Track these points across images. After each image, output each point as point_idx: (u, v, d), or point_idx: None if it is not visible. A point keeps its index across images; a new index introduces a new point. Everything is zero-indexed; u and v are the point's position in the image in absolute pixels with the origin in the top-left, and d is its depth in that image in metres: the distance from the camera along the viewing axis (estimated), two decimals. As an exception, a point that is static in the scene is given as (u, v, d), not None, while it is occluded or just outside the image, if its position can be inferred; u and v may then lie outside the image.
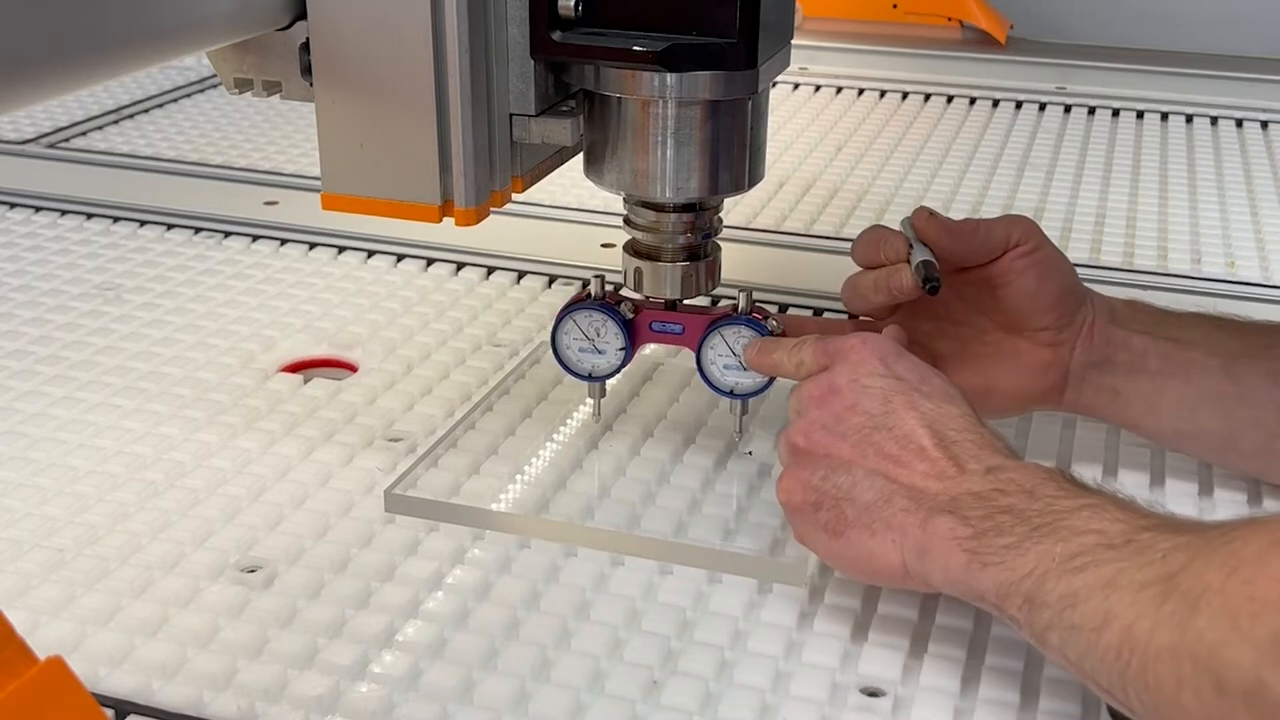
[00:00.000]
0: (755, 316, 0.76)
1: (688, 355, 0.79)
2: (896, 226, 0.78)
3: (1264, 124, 1.50)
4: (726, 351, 0.77)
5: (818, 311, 1.01)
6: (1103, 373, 0.77)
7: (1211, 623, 0.48)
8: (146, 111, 1.51)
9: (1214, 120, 1.51)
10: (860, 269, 0.78)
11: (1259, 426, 0.75)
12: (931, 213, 0.76)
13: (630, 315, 0.78)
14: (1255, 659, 0.46)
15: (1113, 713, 0.61)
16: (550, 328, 0.79)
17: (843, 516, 0.64)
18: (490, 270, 1.08)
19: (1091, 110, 1.55)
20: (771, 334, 0.76)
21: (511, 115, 0.70)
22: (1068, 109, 1.55)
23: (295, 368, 0.94)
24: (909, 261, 0.74)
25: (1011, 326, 0.77)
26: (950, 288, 0.75)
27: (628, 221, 0.76)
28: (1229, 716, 0.47)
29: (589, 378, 0.79)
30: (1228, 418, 0.76)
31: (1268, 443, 0.75)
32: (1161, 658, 0.50)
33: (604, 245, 1.12)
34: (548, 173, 0.75)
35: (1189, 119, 1.52)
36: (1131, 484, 0.79)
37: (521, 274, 1.08)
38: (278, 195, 1.24)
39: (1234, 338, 0.76)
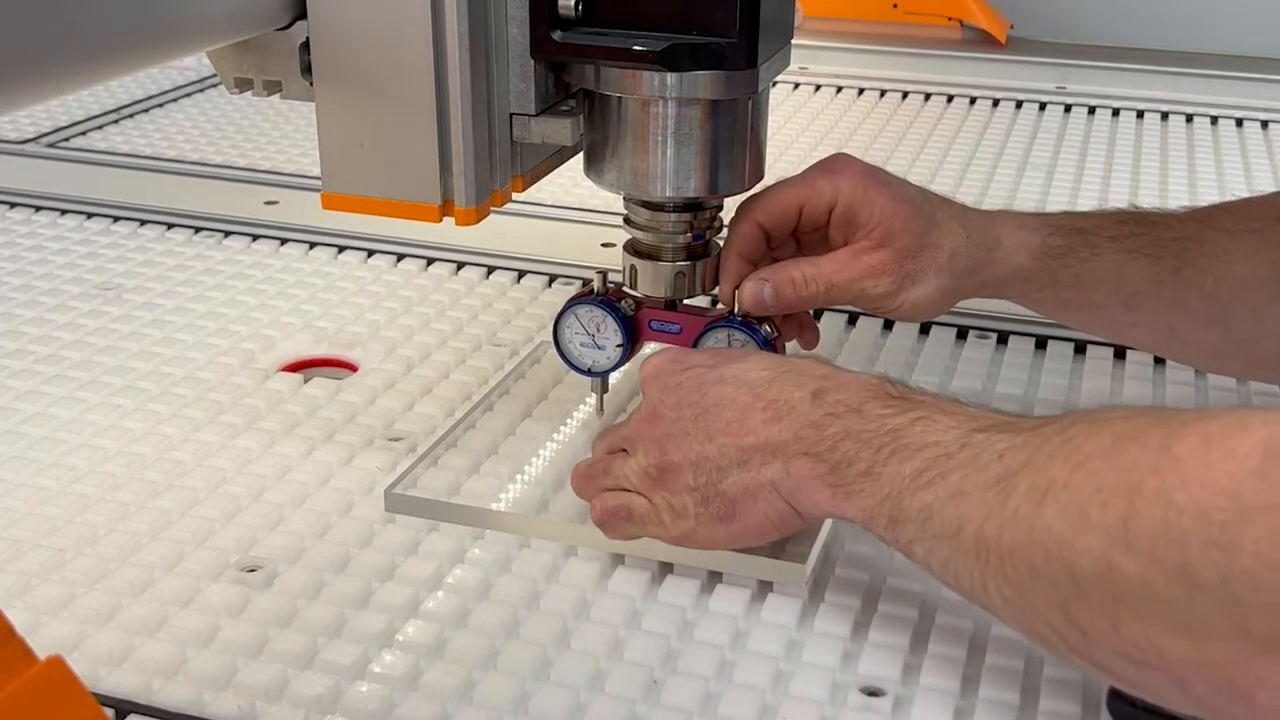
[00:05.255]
0: (751, 319, 0.76)
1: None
2: None
3: (1264, 124, 1.50)
4: (725, 352, 0.76)
5: (818, 312, 1.01)
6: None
7: (1060, 515, 0.51)
8: (146, 111, 1.51)
9: (1214, 120, 1.51)
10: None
11: (1152, 347, 0.88)
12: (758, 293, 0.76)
13: (630, 312, 0.78)
14: (1105, 544, 0.49)
15: (1112, 712, 0.61)
16: (551, 324, 0.79)
17: (727, 499, 0.66)
18: (490, 270, 1.08)
19: (1091, 110, 1.55)
20: (766, 339, 0.75)
21: (512, 115, 0.70)
22: (1068, 109, 1.55)
23: (295, 367, 0.94)
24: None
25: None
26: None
27: (628, 221, 0.76)
28: (1081, 598, 0.50)
29: (589, 373, 0.80)
30: (1122, 339, 0.89)
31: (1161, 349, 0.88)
32: (1015, 552, 0.53)
33: (604, 245, 1.12)
34: (548, 172, 0.75)
35: (1189, 119, 1.52)
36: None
37: (521, 274, 1.08)
38: (278, 195, 1.24)
39: (1144, 267, 0.78)
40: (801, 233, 0.78)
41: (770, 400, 0.65)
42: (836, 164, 0.77)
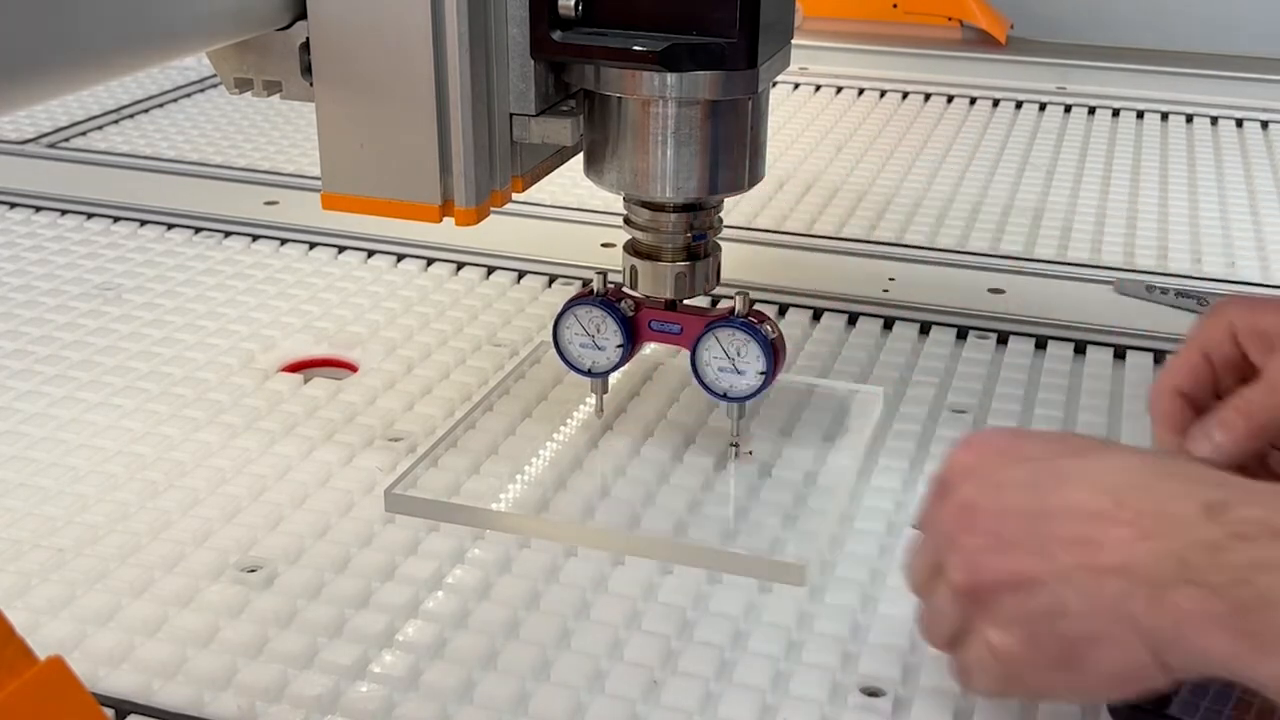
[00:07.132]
0: (752, 320, 0.76)
1: (688, 355, 0.79)
2: None
3: (1264, 124, 1.50)
4: (721, 354, 0.76)
5: (818, 312, 1.01)
6: None
7: None
8: (146, 111, 1.51)
9: (1214, 120, 1.51)
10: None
11: None
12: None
13: (630, 313, 0.78)
14: None
15: (1112, 712, 0.61)
16: (551, 325, 0.79)
17: (1066, 640, 0.51)
18: (490, 270, 1.08)
19: (1091, 110, 1.54)
20: (768, 340, 0.75)
21: (512, 115, 0.70)
22: (1068, 109, 1.55)
23: (295, 367, 0.94)
24: None
25: None
26: None
27: (627, 221, 0.76)
28: None
29: (588, 373, 0.80)
30: None
31: None
32: None
33: (604, 245, 1.12)
34: (548, 173, 0.75)
35: (1189, 119, 1.52)
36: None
37: (521, 274, 1.08)
38: (278, 195, 1.24)
39: None
40: (1220, 381, 0.61)
41: (1139, 511, 0.49)
42: (1209, 313, 0.63)
